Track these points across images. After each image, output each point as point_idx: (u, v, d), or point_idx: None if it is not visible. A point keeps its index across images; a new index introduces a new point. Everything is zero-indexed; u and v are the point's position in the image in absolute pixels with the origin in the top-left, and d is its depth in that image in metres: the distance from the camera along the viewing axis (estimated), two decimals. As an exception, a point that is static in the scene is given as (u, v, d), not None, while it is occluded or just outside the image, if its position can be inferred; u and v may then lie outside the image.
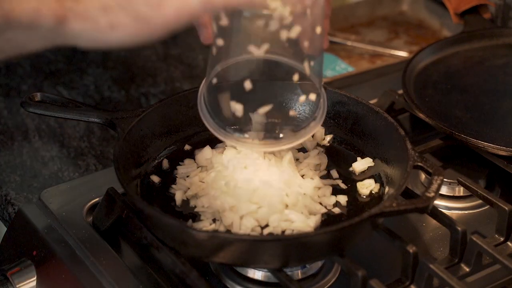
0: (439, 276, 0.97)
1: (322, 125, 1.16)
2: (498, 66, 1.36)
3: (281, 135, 1.05)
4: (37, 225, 1.11)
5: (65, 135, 1.34)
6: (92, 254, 1.05)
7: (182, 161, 1.12)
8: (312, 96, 1.04)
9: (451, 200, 1.19)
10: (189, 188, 1.06)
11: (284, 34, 0.96)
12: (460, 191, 1.19)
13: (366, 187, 1.08)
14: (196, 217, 1.03)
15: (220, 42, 0.99)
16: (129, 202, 1.05)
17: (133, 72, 1.49)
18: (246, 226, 1.00)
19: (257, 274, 1.04)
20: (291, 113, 1.07)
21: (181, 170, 1.10)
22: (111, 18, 0.84)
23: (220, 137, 1.05)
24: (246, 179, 1.03)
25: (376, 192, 1.07)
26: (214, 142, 1.14)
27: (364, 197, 1.07)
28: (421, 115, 1.22)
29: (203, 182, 1.07)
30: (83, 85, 1.46)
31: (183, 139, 1.15)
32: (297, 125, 1.06)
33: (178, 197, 1.05)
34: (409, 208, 0.96)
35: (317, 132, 1.15)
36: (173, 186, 1.08)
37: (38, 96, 1.12)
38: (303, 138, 1.06)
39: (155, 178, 1.09)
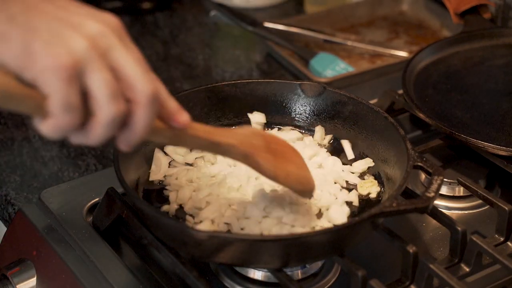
0: (439, 276, 0.97)
1: (322, 125, 1.16)
2: (498, 66, 1.36)
3: None
4: (37, 225, 1.10)
5: (65, 135, 1.33)
6: (92, 254, 1.05)
7: (182, 161, 1.12)
8: None
9: (451, 200, 1.19)
10: (181, 187, 1.06)
11: None
12: (460, 191, 1.19)
13: (366, 187, 1.08)
14: (195, 217, 1.03)
15: None
16: (129, 202, 1.05)
17: (133, 72, 1.49)
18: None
19: (257, 274, 1.04)
20: None
21: (171, 171, 1.09)
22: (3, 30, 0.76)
23: None
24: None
25: (376, 192, 1.07)
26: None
27: (364, 197, 1.07)
28: (421, 115, 1.22)
29: (196, 179, 1.07)
30: (83, 85, 1.46)
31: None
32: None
33: (172, 198, 1.05)
34: (409, 208, 0.96)
35: (317, 132, 1.15)
36: (167, 187, 1.07)
37: (38, 96, 1.12)
38: None
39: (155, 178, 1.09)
